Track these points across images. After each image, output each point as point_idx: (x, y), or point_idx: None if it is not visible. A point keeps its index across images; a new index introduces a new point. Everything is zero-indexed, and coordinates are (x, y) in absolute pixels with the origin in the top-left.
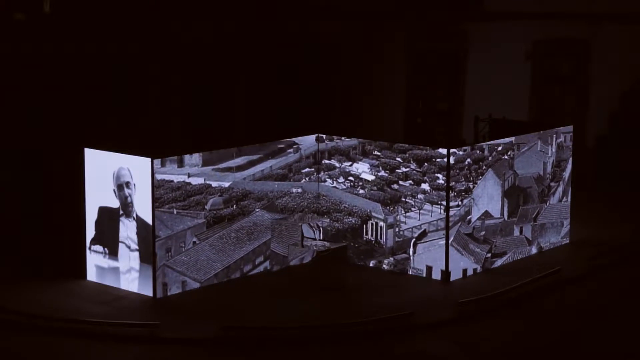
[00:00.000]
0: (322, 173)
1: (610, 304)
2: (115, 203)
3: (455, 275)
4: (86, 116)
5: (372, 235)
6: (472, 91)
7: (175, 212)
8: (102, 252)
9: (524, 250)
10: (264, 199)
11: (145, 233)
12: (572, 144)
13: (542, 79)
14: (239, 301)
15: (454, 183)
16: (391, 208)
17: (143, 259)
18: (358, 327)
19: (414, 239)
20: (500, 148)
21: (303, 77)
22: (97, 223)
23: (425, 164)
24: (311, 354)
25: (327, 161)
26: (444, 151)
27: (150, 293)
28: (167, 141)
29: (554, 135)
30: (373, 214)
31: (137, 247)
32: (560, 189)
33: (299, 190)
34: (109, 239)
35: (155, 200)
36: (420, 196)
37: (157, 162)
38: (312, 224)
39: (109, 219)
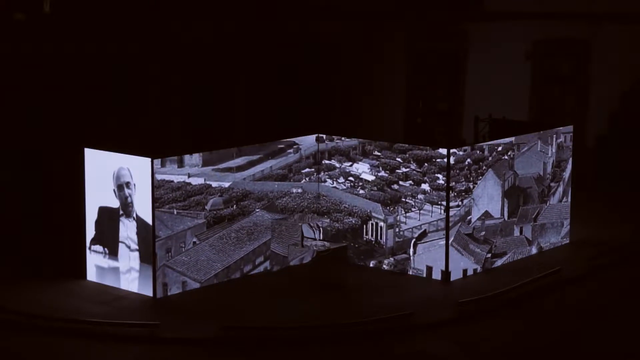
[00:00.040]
0: (322, 173)
1: (610, 304)
2: (115, 203)
3: (456, 275)
4: (86, 116)
5: (372, 235)
6: (472, 91)
7: (175, 213)
8: (102, 252)
9: (524, 250)
10: (264, 199)
11: (145, 233)
12: (572, 144)
13: (542, 79)
14: (239, 301)
15: (454, 183)
16: (391, 208)
17: (143, 259)
18: (358, 327)
19: (414, 239)
20: (500, 148)
21: (303, 77)
22: (97, 223)
23: (426, 164)
24: (311, 354)
25: (327, 161)
26: (444, 151)
27: (150, 293)
28: (167, 141)
29: (554, 136)
30: (373, 214)
31: (137, 247)
32: (561, 189)
33: (299, 190)
34: (109, 239)
35: (155, 200)
36: (420, 196)
37: (157, 162)
38: (312, 224)
39: (109, 219)
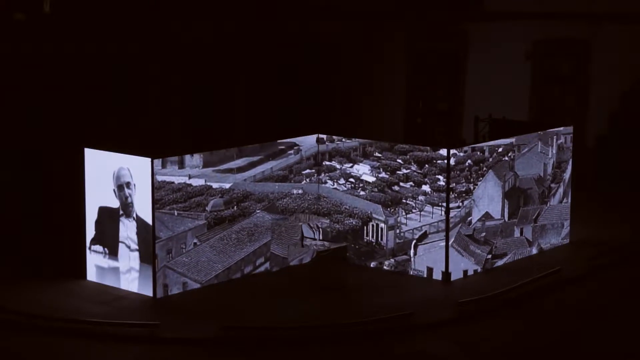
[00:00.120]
0: (322, 174)
1: (610, 304)
2: (115, 203)
3: (456, 276)
4: (86, 116)
5: (372, 236)
6: (472, 91)
7: (176, 214)
8: (102, 252)
9: (524, 251)
10: (265, 200)
11: (145, 233)
12: (572, 145)
13: (542, 79)
14: (239, 301)
15: (454, 184)
16: (392, 209)
17: (143, 259)
18: (358, 327)
19: (414, 241)
20: (500, 149)
21: (303, 77)
22: (97, 223)
23: (426, 165)
24: (311, 354)
25: (327, 163)
26: (444, 153)
27: (150, 293)
28: (167, 141)
29: (554, 137)
30: (374, 215)
31: (137, 247)
32: (561, 190)
33: (300, 191)
34: (109, 239)
35: (155, 201)
36: (421, 198)
37: (158, 163)
38: (312, 225)
39: (109, 219)
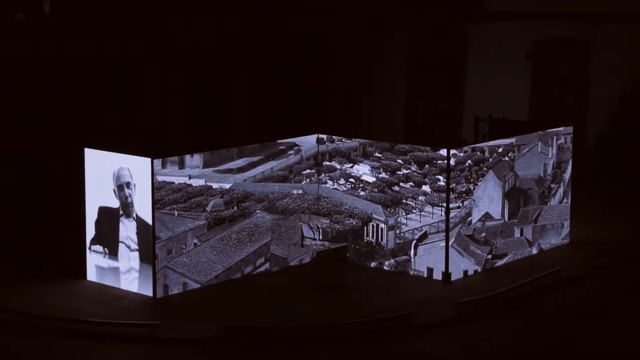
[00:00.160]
0: (322, 175)
1: (610, 304)
2: (115, 203)
3: (456, 277)
4: (86, 116)
5: (373, 237)
6: (472, 91)
7: (176, 214)
8: (102, 252)
9: (524, 251)
10: (265, 200)
11: (145, 233)
12: (572, 145)
13: (542, 79)
14: (239, 301)
15: (454, 185)
16: (392, 210)
17: (143, 259)
18: (358, 327)
19: (414, 241)
20: (500, 150)
21: (303, 77)
22: (97, 223)
23: (426, 165)
24: (311, 354)
25: (327, 163)
26: (444, 153)
27: (150, 293)
28: (167, 141)
29: (554, 137)
30: (374, 215)
31: (137, 247)
32: (561, 190)
33: (300, 191)
34: (109, 239)
35: (156, 201)
36: (421, 198)
37: (158, 163)
38: (312, 225)
39: (109, 219)
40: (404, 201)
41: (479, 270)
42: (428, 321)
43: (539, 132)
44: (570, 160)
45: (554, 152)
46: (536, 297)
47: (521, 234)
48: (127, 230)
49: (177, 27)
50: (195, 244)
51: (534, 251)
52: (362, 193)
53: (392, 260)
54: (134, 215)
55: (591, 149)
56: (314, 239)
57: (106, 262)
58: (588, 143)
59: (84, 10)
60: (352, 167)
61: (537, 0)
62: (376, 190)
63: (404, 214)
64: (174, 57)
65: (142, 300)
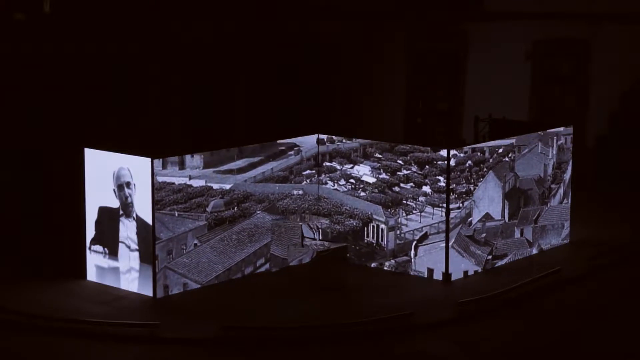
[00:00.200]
0: (323, 175)
1: (610, 304)
2: (115, 203)
3: (456, 277)
4: (86, 116)
5: (373, 237)
6: (472, 91)
7: (176, 214)
8: (102, 252)
9: (524, 252)
10: (265, 201)
11: (145, 233)
12: (572, 145)
13: (542, 79)
14: (239, 301)
15: (454, 185)
16: (392, 210)
17: (143, 259)
18: (358, 327)
19: (415, 242)
20: (501, 150)
21: (303, 77)
22: (97, 223)
23: (427, 166)
24: (311, 354)
25: (328, 163)
26: (444, 153)
27: (150, 293)
28: (167, 141)
29: (555, 138)
30: (374, 216)
31: (137, 247)
32: (561, 190)
33: (300, 192)
34: (109, 239)
35: (156, 202)
36: (421, 198)
37: (158, 163)
38: (312, 225)
39: (109, 219)
40: (405, 202)
41: (479, 270)
42: (428, 321)
43: (539, 133)
44: (571, 160)
45: (554, 152)
46: (536, 297)
47: (521, 234)
48: (127, 230)
49: (177, 27)
50: (195, 244)
51: (534, 251)
52: (362, 194)
53: (393, 261)
54: (134, 215)
55: (591, 149)
56: (314, 239)
57: (106, 262)
58: (588, 143)
59: (84, 10)
60: (352, 167)
61: (537, 0)
62: (376, 190)
63: (404, 214)
64: (174, 57)
65: (142, 300)
